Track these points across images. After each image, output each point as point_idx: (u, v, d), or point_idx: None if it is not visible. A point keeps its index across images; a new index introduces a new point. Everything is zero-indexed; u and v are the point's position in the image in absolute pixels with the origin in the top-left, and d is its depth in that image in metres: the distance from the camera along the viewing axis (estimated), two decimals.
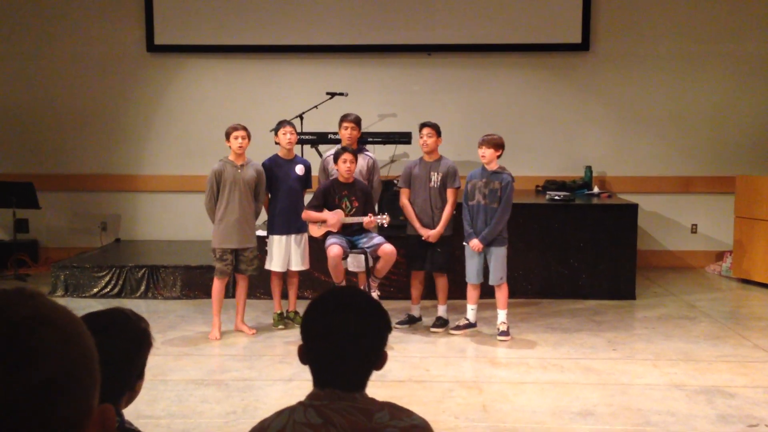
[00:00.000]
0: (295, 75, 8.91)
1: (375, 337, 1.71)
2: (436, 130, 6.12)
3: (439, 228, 6.07)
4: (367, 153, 6.50)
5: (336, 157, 5.97)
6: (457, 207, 6.21)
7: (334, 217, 5.88)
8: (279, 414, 1.68)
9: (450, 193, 6.09)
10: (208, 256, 6.14)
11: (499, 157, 5.96)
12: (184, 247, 8.33)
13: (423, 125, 6.16)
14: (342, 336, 1.67)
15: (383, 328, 1.73)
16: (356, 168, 6.10)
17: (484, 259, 6.02)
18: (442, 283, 6.21)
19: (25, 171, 8.78)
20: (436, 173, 6.10)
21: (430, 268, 6.21)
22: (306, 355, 1.72)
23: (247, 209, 6.01)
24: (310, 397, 1.69)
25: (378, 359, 1.72)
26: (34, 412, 0.81)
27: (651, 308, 6.95)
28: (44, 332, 0.84)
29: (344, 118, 6.34)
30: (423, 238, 6.08)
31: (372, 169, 6.40)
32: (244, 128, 5.96)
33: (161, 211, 9.04)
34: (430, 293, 6.39)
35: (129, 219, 9.13)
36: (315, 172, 6.56)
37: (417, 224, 6.12)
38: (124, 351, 1.90)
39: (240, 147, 5.91)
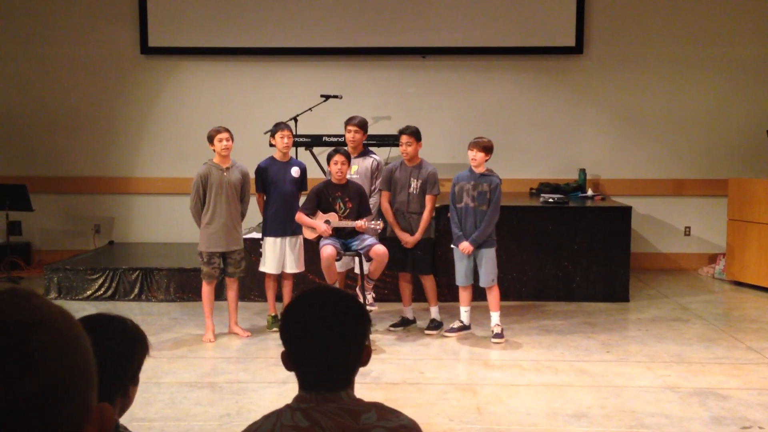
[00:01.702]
0: (290, 77, 8.91)
1: (355, 331, 1.70)
2: (415, 136, 6.08)
3: (417, 235, 6.06)
4: (373, 155, 6.48)
5: (329, 158, 5.95)
6: (445, 209, 6.21)
7: (323, 227, 5.84)
8: (266, 418, 1.68)
9: (428, 200, 6.09)
10: (198, 258, 6.12)
11: (487, 160, 5.97)
12: (178, 250, 8.30)
13: (401, 132, 6.14)
14: (321, 335, 1.66)
15: (362, 321, 1.72)
16: (362, 169, 6.11)
17: (473, 261, 6.02)
18: (429, 284, 6.21)
19: (18, 173, 8.75)
20: (416, 179, 6.10)
21: (412, 271, 6.21)
22: (289, 359, 1.71)
23: (234, 212, 6.01)
24: (296, 399, 1.68)
25: (361, 354, 1.71)
26: (34, 419, 0.79)
27: (644, 310, 6.96)
28: (41, 337, 0.82)
29: (349, 121, 6.32)
30: (402, 244, 6.08)
31: (376, 171, 6.38)
32: (227, 130, 5.95)
33: (155, 213, 9.02)
34: (422, 295, 6.39)
35: (122, 221, 9.11)
36: (310, 174, 6.55)
37: (397, 228, 6.12)
38: (115, 352, 1.89)
39: (225, 149, 5.90)
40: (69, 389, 0.83)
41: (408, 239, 6.06)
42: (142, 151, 9.06)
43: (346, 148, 6.23)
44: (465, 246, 5.93)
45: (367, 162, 6.31)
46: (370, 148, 6.70)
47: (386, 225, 6.15)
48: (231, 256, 6.05)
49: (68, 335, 0.85)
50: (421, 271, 6.19)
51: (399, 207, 6.14)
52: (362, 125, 6.30)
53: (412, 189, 6.10)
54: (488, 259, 5.96)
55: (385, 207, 6.20)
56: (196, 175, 5.97)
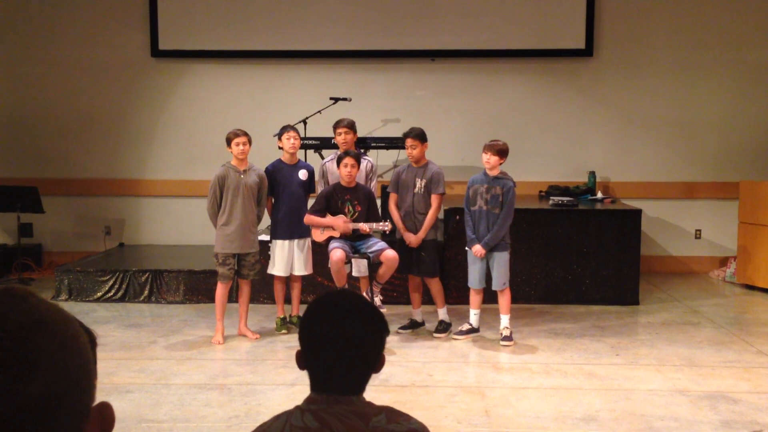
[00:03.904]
0: (299, 80, 8.93)
1: (374, 341, 1.70)
2: (419, 138, 6.07)
3: (420, 234, 6.05)
4: (365, 157, 6.50)
5: (338, 161, 5.97)
6: (455, 212, 6.20)
7: (339, 223, 5.87)
8: (277, 418, 1.68)
9: (434, 199, 6.07)
10: (212, 260, 6.15)
11: (501, 163, 5.97)
12: (188, 252, 8.34)
13: (404, 136, 6.14)
14: (341, 341, 1.66)
15: (381, 331, 1.72)
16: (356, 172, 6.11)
17: (486, 264, 6.02)
18: (435, 287, 6.19)
19: (29, 175, 8.81)
20: (421, 179, 6.10)
21: (417, 273, 6.21)
22: (304, 360, 1.71)
23: (250, 214, 6.02)
24: (307, 401, 1.68)
25: (376, 363, 1.72)
26: (36, 420, 0.79)
27: (654, 314, 6.93)
28: (41, 337, 0.81)
29: (338, 124, 6.35)
30: (406, 243, 6.08)
31: (370, 173, 6.40)
32: (245, 134, 5.98)
33: (165, 215, 9.05)
34: (431, 298, 6.39)
35: (133, 223, 9.15)
36: (318, 177, 6.56)
37: (403, 229, 6.13)
38: None
39: (242, 152, 5.93)
40: (69, 389, 0.82)
41: (411, 239, 6.05)
42: (152, 153, 9.10)
43: (339, 152, 6.23)
44: (477, 249, 5.93)
45: (362, 165, 6.32)
46: (364, 151, 6.71)
47: (395, 228, 6.15)
48: (246, 258, 6.07)
49: (67, 334, 0.84)
50: (426, 273, 6.17)
51: (406, 208, 6.14)
52: (351, 126, 6.32)
53: (417, 189, 6.10)
54: (501, 262, 5.95)
55: (392, 209, 6.20)
56: (214, 177, 6.01)
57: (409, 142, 6.08)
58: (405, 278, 6.66)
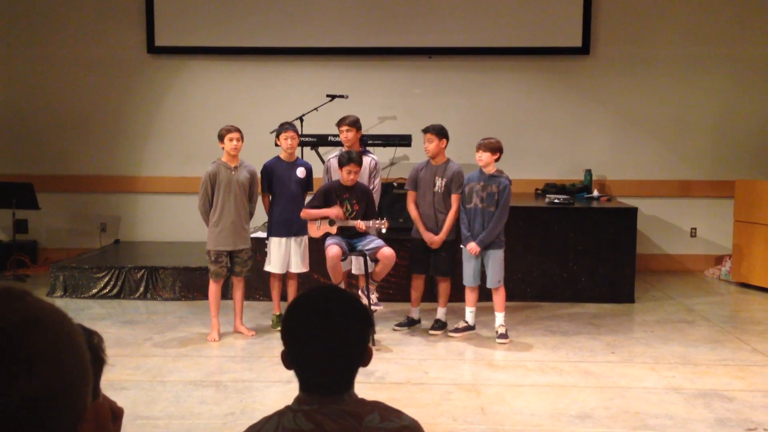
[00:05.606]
0: (296, 77, 8.92)
1: (358, 336, 1.69)
2: (437, 134, 6.07)
3: (443, 234, 6.06)
4: (369, 154, 6.48)
5: (341, 163, 5.91)
6: None
7: (333, 211, 5.85)
8: (267, 420, 1.66)
9: (454, 199, 6.07)
10: (206, 257, 6.14)
11: (496, 160, 5.96)
12: (183, 249, 8.33)
13: (424, 130, 6.15)
14: (325, 339, 1.64)
15: (365, 323, 1.71)
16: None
17: (481, 262, 6.02)
18: (444, 286, 6.20)
19: (24, 172, 8.78)
20: (441, 178, 6.09)
21: (433, 272, 6.21)
22: (290, 360, 1.69)
23: (242, 211, 6.01)
24: (298, 401, 1.67)
25: (363, 356, 1.70)
26: (31, 418, 0.79)
27: (650, 312, 6.95)
28: (38, 336, 0.81)
29: (341, 122, 6.32)
30: (427, 244, 6.08)
31: (374, 170, 6.38)
32: (238, 130, 5.96)
33: (161, 212, 9.04)
34: (429, 296, 6.39)
35: (128, 220, 9.14)
36: (316, 174, 6.55)
37: (422, 228, 6.11)
38: None
39: (234, 149, 5.91)
40: (66, 387, 0.82)
41: (433, 239, 6.05)
42: (148, 150, 9.08)
43: (344, 149, 6.20)
44: (472, 247, 5.93)
45: (365, 161, 6.30)
46: (368, 148, 6.68)
47: (409, 226, 6.14)
48: (238, 255, 6.06)
49: (63, 332, 0.85)
50: (442, 273, 6.17)
51: (427, 207, 6.12)
52: (354, 123, 6.29)
53: (437, 188, 6.09)
54: (495, 260, 5.96)
55: (411, 208, 6.18)
56: (205, 174, 5.99)
57: (426, 136, 6.09)
58: (402, 276, 6.67)
